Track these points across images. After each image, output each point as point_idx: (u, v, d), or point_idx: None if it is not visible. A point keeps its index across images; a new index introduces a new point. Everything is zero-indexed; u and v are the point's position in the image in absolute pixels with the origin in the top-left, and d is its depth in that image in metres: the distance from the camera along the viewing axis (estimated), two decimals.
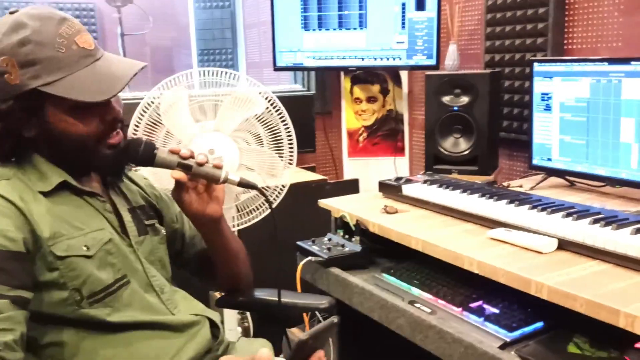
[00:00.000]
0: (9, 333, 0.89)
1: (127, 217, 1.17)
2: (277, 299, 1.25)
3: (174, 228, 1.34)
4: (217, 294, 1.57)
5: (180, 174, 1.13)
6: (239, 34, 4.53)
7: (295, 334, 2.23)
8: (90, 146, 1.08)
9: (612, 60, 1.61)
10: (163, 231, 1.27)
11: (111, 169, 1.16)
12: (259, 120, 1.78)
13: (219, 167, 1.15)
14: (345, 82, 2.83)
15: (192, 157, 1.15)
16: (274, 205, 1.86)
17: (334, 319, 0.84)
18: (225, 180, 1.15)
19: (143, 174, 1.38)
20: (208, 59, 4.58)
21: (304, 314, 1.46)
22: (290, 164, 1.84)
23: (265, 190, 1.85)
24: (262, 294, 1.45)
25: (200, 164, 1.14)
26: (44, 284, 1.00)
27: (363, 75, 2.78)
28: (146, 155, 1.14)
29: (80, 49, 1.03)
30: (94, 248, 1.06)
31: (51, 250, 1.00)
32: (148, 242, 1.20)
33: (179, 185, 1.15)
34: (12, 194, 1.00)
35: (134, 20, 3.96)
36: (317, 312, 1.36)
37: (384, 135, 2.86)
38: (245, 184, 1.15)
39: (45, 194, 1.05)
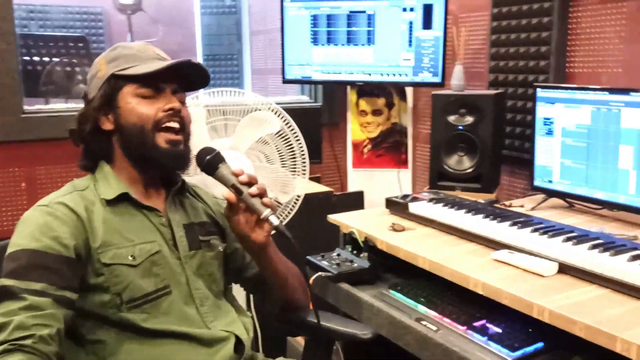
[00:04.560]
0: (46, 328, 1.00)
1: (179, 233, 1.26)
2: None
3: (235, 247, 1.40)
4: None
5: (230, 195, 1.20)
6: (245, 41, 4.59)
7: (300, 342, 2.30)
8: (149, 132, 1.20)
9: (612, 90, 1.69)
10: (220, 248, 1.35)
11: (168, 167, 1.26)
12: (275, 136, 1.85)
13: (266, 205, 1.20)
14: (352, 95, 2.90)
15: (250, 184, 1.21)
16: (290, 216, 1.92)
17: None
18: (266, 220, 1.20)
19: (215, 193, 1.46)
20: (214, 64, 4.64)
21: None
22: (304, 178, 1.92)
23: (279, 205, 1.92)
24: (307, 315, 1.46)
25: (252, 195, 1.20)
26: (92, 287, 1.13)
27: (369, 89, 2.85)
28: (211, 164, 1.23)
29: (155, 53, 1.26)
30: (140, 258, 1.17)
31: (99, 257, 1.13)
32: (199, 256, 1.28)
33: (230, 204, 1.22)
34: (79, 205, 1.15)
35: (142, 26, 4.02)
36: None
37: (388, 147, 2.93)
38: (281, 232, 1.19)
39: (108, 203, 1.19)
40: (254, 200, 1.20)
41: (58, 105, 2.66)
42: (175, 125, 1.23)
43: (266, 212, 1.20)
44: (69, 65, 2.93)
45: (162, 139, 1.21)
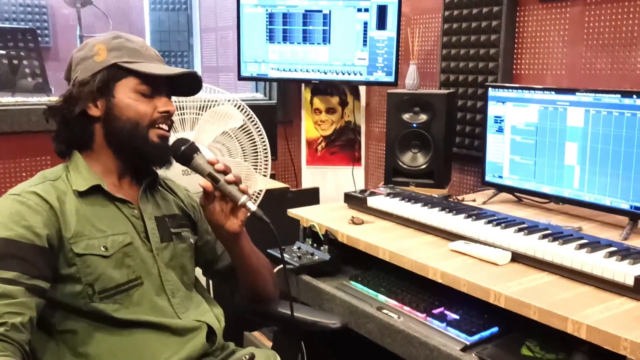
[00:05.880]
0: (18, 316, 1.00)
1: (150, 225, 1.27)
2: (289, 312, 1.32)
3: (207, 239, 1.43)
4: None
5: (207, 183, 1.23)
6: (196, 38, 4.56)
7: (258, 337, 2.32)
8: (143, 128, 1.23)
9: (559, 90, 1.79)
10: (191, 240, 1.36)
11: (156, 159, 1.28)
12: (238, 130, 1.86)
13: (243, 192, 1.24)
14: (306, 93, 2.93)
15: (225, 172, 1.24)
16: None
17: None
18: (243, 205, 1.23)
19: (184, 185, 1.47)
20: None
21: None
22: (265, 173, 1.94)
23: None
24: (277, 306, 1.48)
25: (228, 182, 1.23)
26: (64, 277, 1.13)
27: (323, 87, 2.89)
28: (186, 154, 1.26)
29: (155, 54, 1.29)
30: (112, 249, 1.17)
31: (71, 247, 1.13)
32: (171, 248, 1.29)
33: (206, 193, 1.25)
34: (51, 195, 1.15)
35: (90, 20, 3.93)
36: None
37: (342, 145, 2.99)
38: (259, 217, 1.22)
39: (81, 194, 1.19)
40: (230, 188, 1.23)
41: (5, 99, 2.57)
42: (166, 127, 1.27)
43: (243, 198, 1.22)
44: (15, 58, 2.84)
45: (154, 134, 1.25)
